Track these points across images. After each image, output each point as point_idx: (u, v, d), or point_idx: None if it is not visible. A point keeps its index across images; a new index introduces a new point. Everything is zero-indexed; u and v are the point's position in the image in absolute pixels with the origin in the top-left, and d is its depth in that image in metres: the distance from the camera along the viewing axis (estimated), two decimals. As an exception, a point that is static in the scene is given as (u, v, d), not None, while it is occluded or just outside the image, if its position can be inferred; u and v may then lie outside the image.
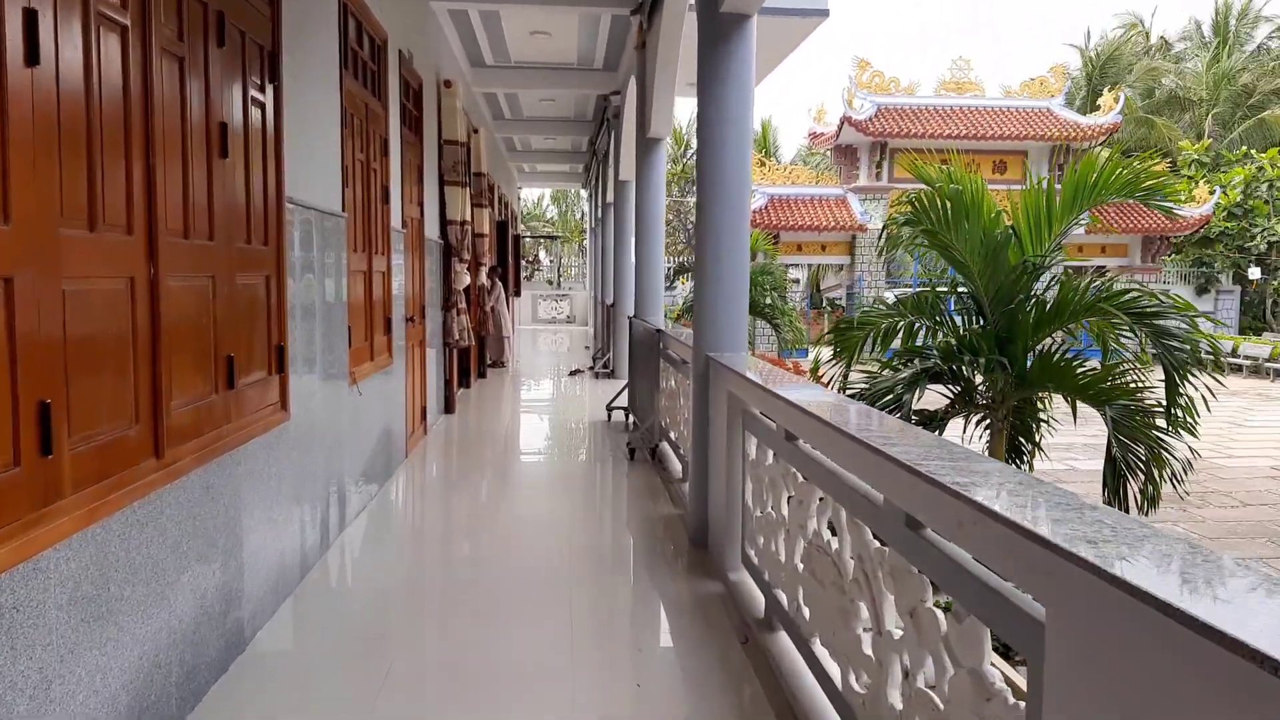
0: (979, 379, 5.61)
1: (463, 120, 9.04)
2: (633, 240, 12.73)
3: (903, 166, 24.95)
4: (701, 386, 4.72)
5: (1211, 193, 25.80)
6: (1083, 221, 5.63)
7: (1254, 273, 28.25)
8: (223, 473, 3.27)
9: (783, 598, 3.42)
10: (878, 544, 2.46)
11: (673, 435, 6.64)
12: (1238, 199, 27.62)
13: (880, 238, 6.04)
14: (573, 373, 13.06)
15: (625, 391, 8.94)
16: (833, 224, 24.43)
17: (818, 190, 25.32)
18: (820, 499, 3.04)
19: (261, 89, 3.74)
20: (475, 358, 11.74)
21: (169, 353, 2.85)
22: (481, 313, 11.78)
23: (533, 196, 48.34)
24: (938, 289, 6.11)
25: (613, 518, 5.74)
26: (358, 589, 4.31)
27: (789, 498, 3.36)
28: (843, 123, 24.14)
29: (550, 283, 32.35)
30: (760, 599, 3.80)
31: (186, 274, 3.01)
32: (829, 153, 25.87)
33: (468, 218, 8.91)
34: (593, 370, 13.46)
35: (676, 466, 6.50)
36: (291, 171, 4.04)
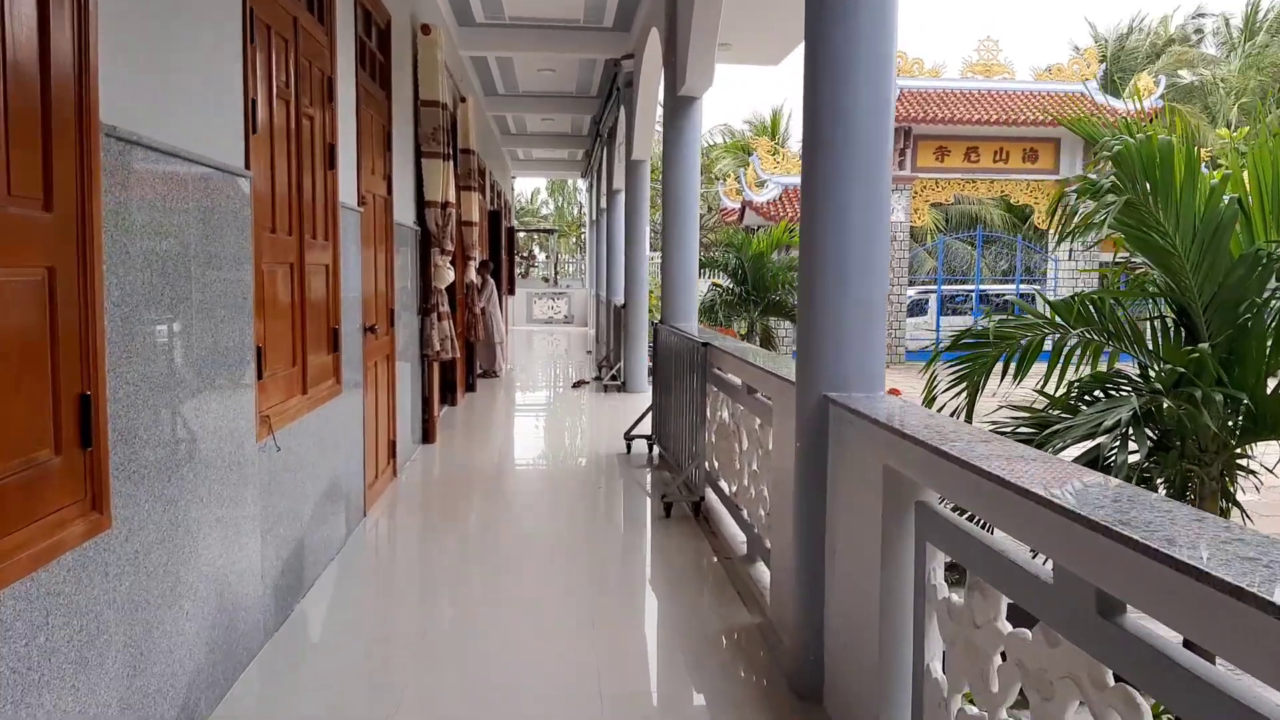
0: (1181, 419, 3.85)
1: (445, 79, 7.26)
2: (647, 229, 10.97)
3: (929, 154, 23.23)
4: (813, 444, 2.96)
5: (1253, 184, 24.08)
6: None
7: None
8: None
9: None
10: None
11: (728, 488, 4.88)
12: None
13: (1053, 214, 4.20)
14: (576, 385, 11.29)
15: (649, 416, 7.17)
16: (851, 216, 22.68)
17: (835, 180, 23.47)
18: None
19: (35, -89, 1.96)
20: (462, 368, 9.95)
21: None
22: (470, 315, 10.00)
23: (527, 192, 46.46)
24: (1113, 290, 4.34)
25: (657, 631, 3.95)
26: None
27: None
28: (863, 107, 22.35)
29: (546, 280, 30.52)
30: None
31: None
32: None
33: (451, 199, 7.13)
34: (599, 380, 11.69)
35: (735, 534, 4.74)
36: (117, 79, 2.26)
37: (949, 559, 2.25)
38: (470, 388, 10.39)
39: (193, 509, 2.72)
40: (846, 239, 2.88)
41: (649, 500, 5.80)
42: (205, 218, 2.81)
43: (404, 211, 6.50)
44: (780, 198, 22.65)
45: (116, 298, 2.26)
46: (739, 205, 22.96)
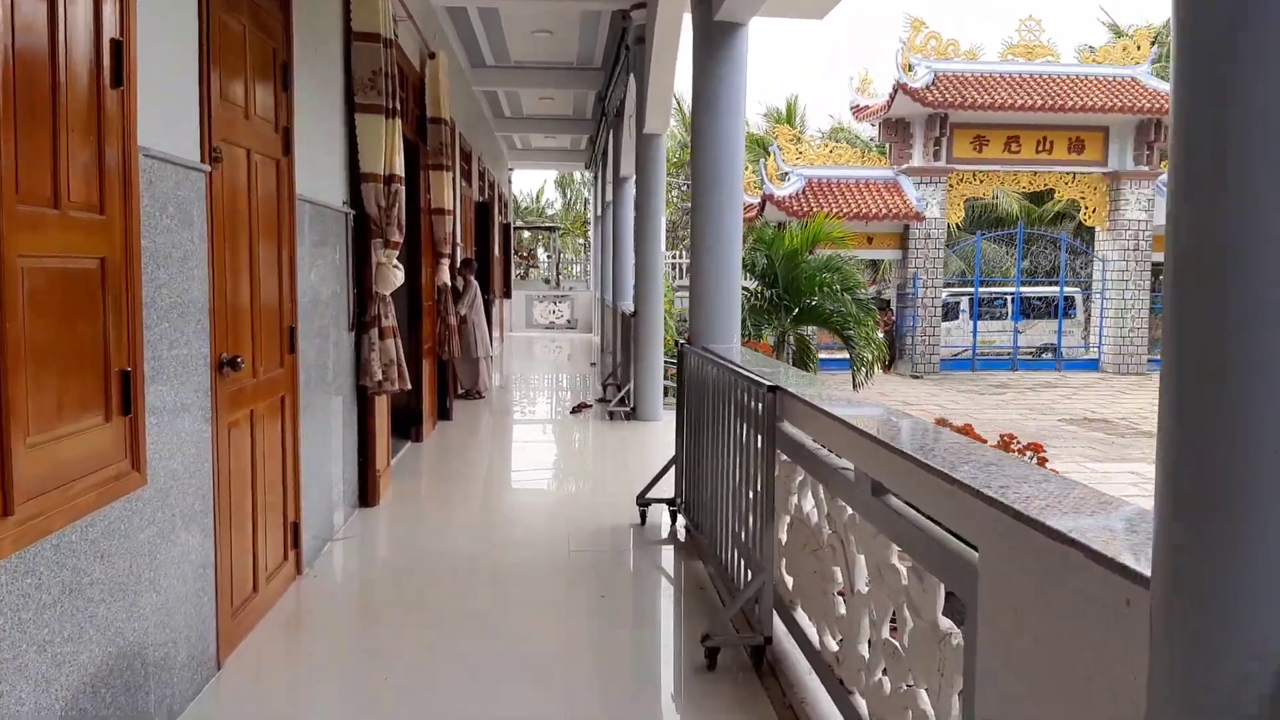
0: None
1: (391, 6, 5.29)
2: (663, 222, 9.00)
3: (966, 143, 21.17)
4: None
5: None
6: None
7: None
8: None
9: None
10: None
11: (818, 635, 2.89)
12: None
13: None
14: (576, 409, 9.30)
15: (670, 470, 5.19)
16: (882, 211, 20.59)
17: (864, 172, 21.41)
18: None
19: None
20: (432, 391, 7.99)
21: None
22: (443, 326, 8.03)
23: (532, 190, 44.45)
24: None
25: None
26: None
27: None
28: (896, 91, 20.25)
29: (548, 281, 28.54)
30: None
31: None
32: (879, 126, 21.99)
33: (398, 171, 5.15)
34: (604, 403, 9.71)
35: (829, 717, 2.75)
36: None
37: None
38: (444, 414, 8.42)
39: None
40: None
41: (678, 628, 3.81)
42: None
43: (323, 185, 4.54)
44: (803, 191, 20.62)
45: None
46: (759, 200, 20.95)
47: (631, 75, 9.28)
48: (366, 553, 4.69)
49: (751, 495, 3.54)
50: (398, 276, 5.23)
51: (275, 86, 3.80)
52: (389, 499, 5.56)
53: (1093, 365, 22.50)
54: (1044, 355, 23.04)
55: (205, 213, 3.01)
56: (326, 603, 3.95)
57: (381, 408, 5.50)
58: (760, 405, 3.25)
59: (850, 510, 2.57)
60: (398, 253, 5.19)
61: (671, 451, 5.33)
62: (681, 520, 4.99)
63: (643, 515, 5.10)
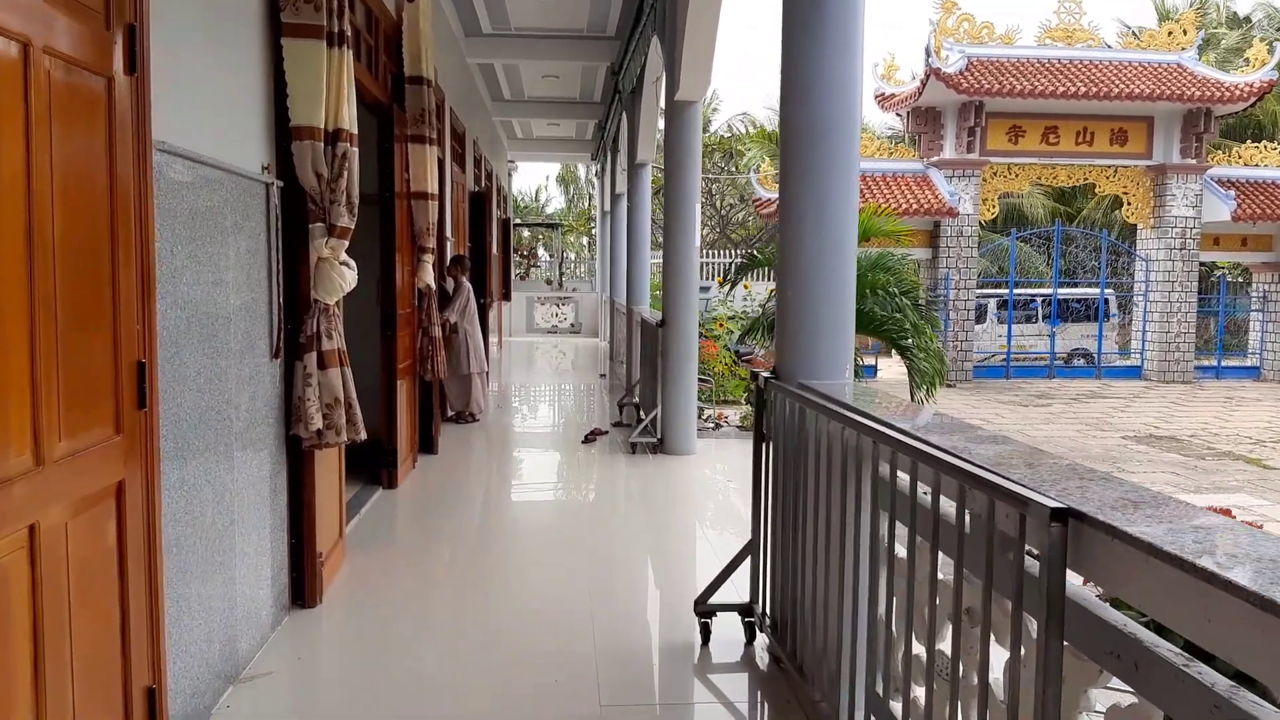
0: None
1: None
2: (698, 210, 7.39)
3: (1001, 134, 19.55)
4: None
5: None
6: None
7: None
8: None
9: None
10: None
11: None
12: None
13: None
14: (589, 438, 7.67)
15: (744, 560, 3.57)
16: (912, 207, 18.94)
17: (892, 165, 19.75)
18: None
19: None
20: (411, 422, 6.38)
21: None
22: (425, 339, 6.41)
23: (530, 189, 42.71)
24: None
25: None
26: None
27: None
28: (928, 77, 18.60)
29: (549, 282, 26.91)
30: None
31: None
32: (907, 116, 20.32)
33: (348, 126, 3.53)
34: (621, 426, 8.10)
35: None
36: None
37: None
38: (427, 446, 6.80)
39: None
40: None
41: None
42: None
43: (221, 136, 2.93)
44: (827, 185, 18.98)
45: None
46: (775, 194, 19.33)
47: (655, 36, 7.68)
48: (289, 711, 3.05)
49: (932, 652, 1.94)
50: (348, 277, 3.62)
51: (103, -53, 2.18)
52: (338, 588, 3.95)
53: (1134, 372, 20.90)
54: (1075, 361, 21.44)
55: None
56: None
57: (328, 464, 3.89)
58: (1019, 541, 1.63)
59: None
60: (345, 239, 3.57)
61: (724, 505, 3.73)
62: (762, 639, 3.39)
63: (704, 630, 3.47)
